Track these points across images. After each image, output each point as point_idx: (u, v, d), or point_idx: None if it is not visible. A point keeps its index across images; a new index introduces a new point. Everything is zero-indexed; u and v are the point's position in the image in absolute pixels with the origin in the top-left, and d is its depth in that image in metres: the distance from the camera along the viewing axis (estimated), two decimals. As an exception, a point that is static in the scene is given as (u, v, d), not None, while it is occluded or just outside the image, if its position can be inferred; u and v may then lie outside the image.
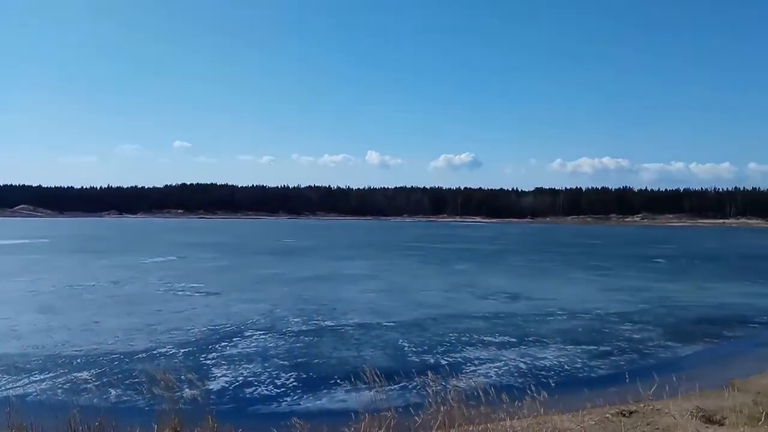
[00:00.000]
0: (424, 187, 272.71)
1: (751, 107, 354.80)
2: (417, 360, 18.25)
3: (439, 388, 11.94)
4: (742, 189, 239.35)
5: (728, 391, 13.16)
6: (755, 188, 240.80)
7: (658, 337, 22.87)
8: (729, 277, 44.11)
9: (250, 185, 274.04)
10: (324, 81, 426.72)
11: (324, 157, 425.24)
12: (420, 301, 30.32)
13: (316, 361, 18.01)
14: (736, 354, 20.74)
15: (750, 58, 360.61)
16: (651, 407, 13.53)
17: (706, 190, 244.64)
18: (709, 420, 11.68)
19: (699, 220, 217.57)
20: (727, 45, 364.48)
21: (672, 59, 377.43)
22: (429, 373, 10.50)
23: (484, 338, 21.71)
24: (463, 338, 21.59)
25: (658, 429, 12.36)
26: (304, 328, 23.03)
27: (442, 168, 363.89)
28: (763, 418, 8.95)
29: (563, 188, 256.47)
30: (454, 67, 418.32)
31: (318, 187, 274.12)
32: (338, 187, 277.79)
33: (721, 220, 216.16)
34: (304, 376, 16.37)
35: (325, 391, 15.02)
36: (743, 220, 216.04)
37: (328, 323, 23.94)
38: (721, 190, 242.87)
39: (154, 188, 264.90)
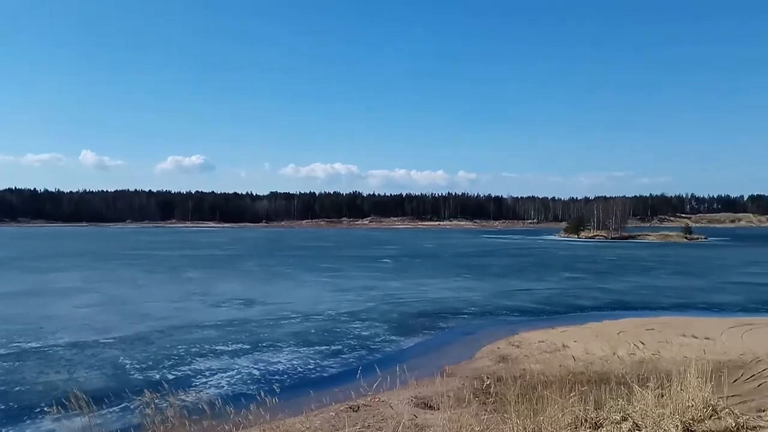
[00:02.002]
0: (150, 190, 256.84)
1: (463, 125, 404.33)
2: (141, 377, 16.85)
3: (164, 405, 11.03)
4: (453, 194, 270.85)
5: (442, 378, 14.35)
6: (464, 193, 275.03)
7: (384, 332, 24.36)
8: (443, 274, 49.08)
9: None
10: (28, 68, 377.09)
11: (27, 156, 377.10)
12: (145, 313, 28.18)
13: (17, 388, 15.59)
14: (449, 343, 22.97)
15: (454, 83, 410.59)
16: (377, 399, 14.21)
17: (425, 194, 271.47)
18: (425, 405, 12.60)
19: (419, 222, 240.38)
20: (431, 71, 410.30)
21: (394, 82, 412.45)
22: (147, 391, 9.53)
23: (217, 347, 20.94)
24: (194, 349, 20.54)
25: (382, 420, 13.04)
26: (1, 351, 19.79)
27: (170, 170, 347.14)
28: (467, 400, 9.75)
29: (298, 192, 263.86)
30: (186, 65, 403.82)
31: (20, 190, 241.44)
32: (46, 191, 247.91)
33: (437, 222, 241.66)
34: (2, 406, 14.05)
35: (28, 421, 13.06)
36: (455, 221, 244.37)
37: (33, 344, 20.93)
38: (437, 195, 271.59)
39: None
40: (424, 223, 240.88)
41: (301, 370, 18.22)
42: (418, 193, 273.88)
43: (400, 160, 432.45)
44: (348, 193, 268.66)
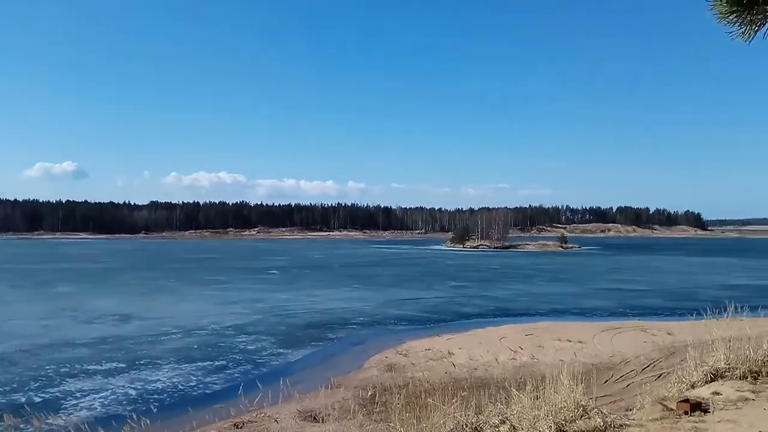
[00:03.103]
0: (15, 199, 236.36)
1: (353, 136, 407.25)
2: (3, 401, 15.55)
3: (29, 429, 10.30)
4: (343, 204, 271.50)
5: (329, 389, 14.25)
6: (354, 204, 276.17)
7: (271, 345, 23.88)
8: (333, 284, 48.94)
9: None
10: None
11: None
12: (7, 331, 25.97)
13: None
14: (337, 354, 22.89)
15: (343, 94, 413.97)
16: (262, 414, 13.86)
17: (314, 205, 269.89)
18: (312, 418, 12.42)
19: (308, 233, 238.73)
20: (320, 80, 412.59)
21: (282, 90, 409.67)
22: (9, 415, 8.74)
23: (89, 367, 19.67)
24: (63, 369, 19.17)
25: (268, 435, 12.76)
26: None
27: (37, 178, 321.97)
28: (353, 411, 9.71)
29: (180, 202, 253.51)
30: (54, 65, 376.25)
31: None
32: None
33: (327, 233, 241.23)
34: None
35: None
36: (345, 232, 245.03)
37: None
38: (326, 205, 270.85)
39: None
40: (313, 233, 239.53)
41: (182, 387, 17.48)
42: (307, 203, 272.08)
43: (289, 170, 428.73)
44: (234, 203, 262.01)
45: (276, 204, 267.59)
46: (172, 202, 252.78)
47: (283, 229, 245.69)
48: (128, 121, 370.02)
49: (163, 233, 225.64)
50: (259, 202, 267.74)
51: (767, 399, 5.49)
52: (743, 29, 2.03)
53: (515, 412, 5.73)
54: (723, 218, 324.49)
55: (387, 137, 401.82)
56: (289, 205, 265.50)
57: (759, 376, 6.33)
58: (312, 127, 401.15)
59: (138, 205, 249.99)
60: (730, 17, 2.02)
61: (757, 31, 2.03)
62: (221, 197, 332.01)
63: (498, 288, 46.66)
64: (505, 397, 6.30)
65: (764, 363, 6.59)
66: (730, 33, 2.05)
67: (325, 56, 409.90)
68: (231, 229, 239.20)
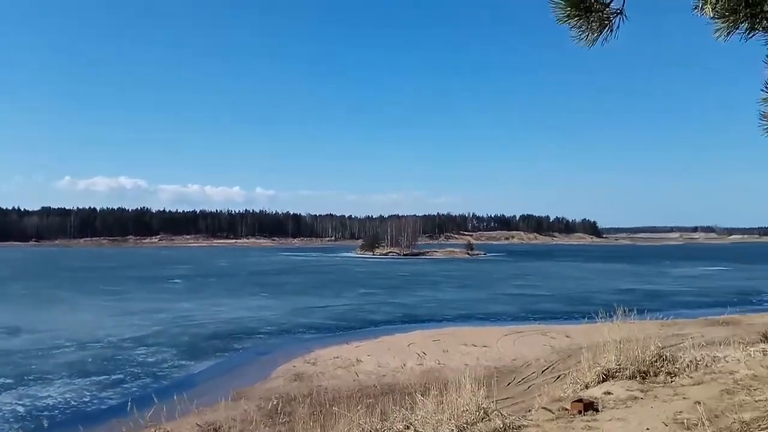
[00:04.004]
0: None
1: (258, 143, 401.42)
2: None
3: None
4: (251, 211, 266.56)
5: (232, 401, 13.86)
6: (262, 210, 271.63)
7: (173, 357, 23.03)
8: (239, 293, 47.87)
9: None
10: None
11: None
12: None
13: None
14: (243, 364, 22.38)
15: (249, 97, 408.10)
16: (161, 429, 13.28)
17: (221, 211, 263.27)
18: (213, 431, 12.05)
19: (214, 240, 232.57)
20: (223, 86, 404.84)
21: (185, 91, 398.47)
22: None
23: (-29, 384, 18.27)
24: (-61, 389, 17.69)
25: (168, 451, 12.26)
26: None
27: None
28: (255, 422, 9.49)
29: (75, 208, 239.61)
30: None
31: None
32: None
33: (234, 240, 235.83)
34: None
35: None
36: (253, 239, 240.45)
37: None
38: (233, 212, 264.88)
39: None
40: (219, 241, 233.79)
41: (75, 403, 16.58)
42: (213, 209, 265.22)
43: (194, 175, 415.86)
44: (135, 209, 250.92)
45: (180, 210, 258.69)
46: (66, 207, 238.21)
47: (188, 236, 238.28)
48: (16, 122, 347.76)
49: (57, 241, 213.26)
50: (161, 209, 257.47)
51: (654, 398, 5.78)
52: (584, 35, 2.11)
53: (419, 416, 5.75)
54: (616, 226, 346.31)
55: (296, 144, 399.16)
56: (194, 212, 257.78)
57: (647, 376, 6.67)
58: (219, 134, 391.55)
59: (28, 210, 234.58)
60: (568, 22, 2.09)
61: (597, 38, 2.11)
62: (121, 203, 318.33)
63: (407, 295, 47.21)
64: (410, 403, 6.32)
65: (652, 363, 6.94)
66: (574, 37, 2.13)
67: (225, 63, 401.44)
68: (131, 236, 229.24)
